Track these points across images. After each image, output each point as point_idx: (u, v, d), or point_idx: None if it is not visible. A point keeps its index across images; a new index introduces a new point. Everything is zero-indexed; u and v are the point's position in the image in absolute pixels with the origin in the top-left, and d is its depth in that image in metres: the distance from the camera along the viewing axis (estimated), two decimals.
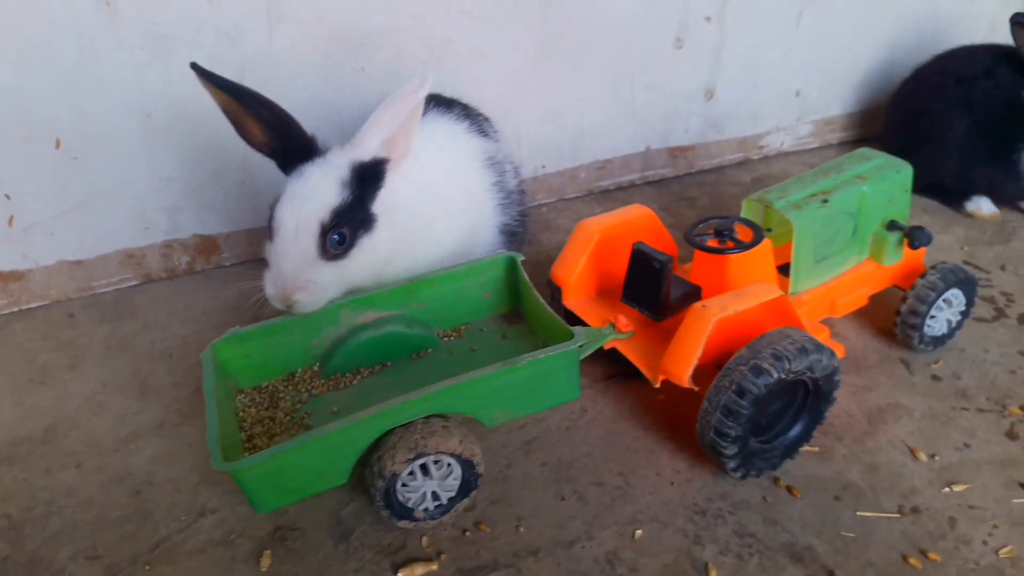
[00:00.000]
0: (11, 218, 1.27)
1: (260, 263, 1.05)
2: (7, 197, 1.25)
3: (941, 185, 1.67)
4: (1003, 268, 1.48)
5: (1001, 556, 0.95)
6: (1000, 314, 1.36)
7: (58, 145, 1.24)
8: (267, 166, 1.13)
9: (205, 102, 1.03)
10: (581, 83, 1.56)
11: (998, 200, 1.65)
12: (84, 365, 1.23)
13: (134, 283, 1.40)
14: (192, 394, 1.17)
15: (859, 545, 0.96)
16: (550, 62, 1.50)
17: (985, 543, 0.97)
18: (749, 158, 1.84)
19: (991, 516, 1.00)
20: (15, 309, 1.33)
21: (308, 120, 1.25)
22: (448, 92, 1.34)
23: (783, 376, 0.94)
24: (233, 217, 1.41)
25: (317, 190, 0.99)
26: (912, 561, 0.94)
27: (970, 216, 1.65)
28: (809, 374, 0.97)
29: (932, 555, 0.95)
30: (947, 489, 1.04)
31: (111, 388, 1.19)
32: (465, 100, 1.30)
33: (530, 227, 1.44)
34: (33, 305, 1.35)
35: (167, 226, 1.37)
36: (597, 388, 1.20)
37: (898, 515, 1.00)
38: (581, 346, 1.02)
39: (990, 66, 1.61)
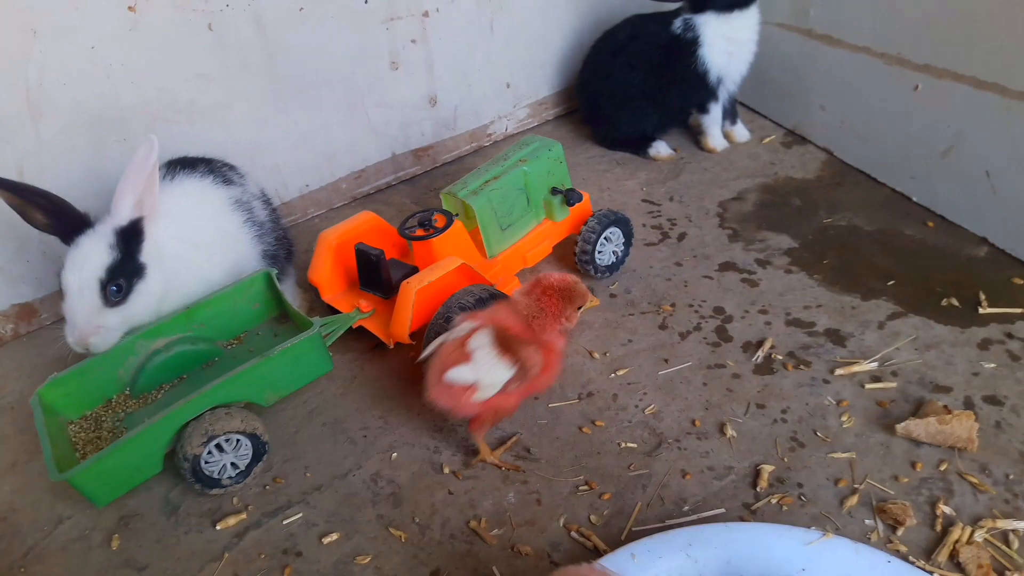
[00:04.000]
0: None
1: None
2: None
3: (627, 139, 2.05)
4: (671, 199, 1.86)
5: (647, 413, 1.31)
6: (664, 237, 1.74)
7: None
8: None
9: None
10: (320, 112, 1.82)
11: (672, 142, 2.04)
12: None
13: None
14: (35, 436, 1.38)
15: (549, 427, 1.30)
16: (289, 100, 1.76)
17: (637, 407, 1.32)
18: (482, 146, 2.16)
19: (643, 387, 1.36)
20: None
21: (85, 192, 1.47)
22: (202, 141, 1.58)
23: None
24: (43, 283, 1.60)
25: (91, 255, 1.23)
26: (585, 430, 1.28)
27: (653, 160, 2.03)
28: None
29: (599, 423, 1.30)
30: (613, 375, 1.39)
31: None
32: (211, 156, 1.52)
33: (300, 242, 1.71)
34: None
35: None
36: (365, 358, 1.48)
37: (577, 400, 1.34)
38: (330, 332, 1.32)
39: (632, 32, 1.98)
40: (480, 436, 1.21)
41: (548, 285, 1.14)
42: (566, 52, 2.20)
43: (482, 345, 1.11)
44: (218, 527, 1.18)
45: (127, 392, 1.31)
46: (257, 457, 1.23)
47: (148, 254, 1.28)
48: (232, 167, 1.52)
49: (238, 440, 1.19)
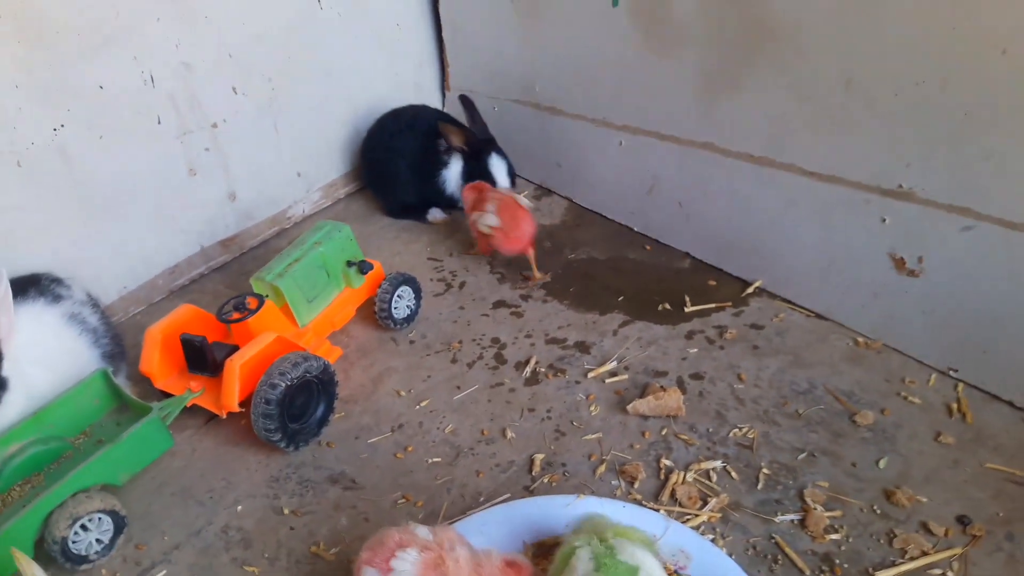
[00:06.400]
0: None
1: None
2: None
3: (407, 207, 2.33)
4: (451, 255, 2.15)
5: (447, 432, 1.56)
6: (448, 287, 2.02)
7: None
8: None
9: None
10: (129, 222, 1.95)
11: (445, 208, 2.33)
12: None
13: None
14: None
15: (369, 459, 1.52)
16: (100, 216, 1.88)
17: (439, 428, 1.57)
18: (284, 228, 2.36)
19: (442, 412, 1.61)
20: None
21: None
22: (25, 266, 1.68)
23: (290, 383, 1.47)
24: None
25: None
26: (399, 455, 1.52)
27: (432, 223, 2.31)
28: (309, 375, 1.52)
29: (410, 448, 1.53)
30: (418, 407, 1.63)
31: None
32: (41, 272, 1.65)
33: (129, 338, 1.83)
34: None
35: None
36: (202, 431, 1.64)
37: (391, 433, 1.58)
38: (167, 414, 1.49)
39: (410, 122, 2.28)
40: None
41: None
42: (346, 140, 2.45)
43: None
44: None
45: None
46: (118, 530, 1.37)
47: (8, 370, 1.41)
48: (58, 280, 1.64)
49: (100, 518, 1.33)
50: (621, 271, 1.98)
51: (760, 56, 1.65)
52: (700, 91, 1.81)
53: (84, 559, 1.33)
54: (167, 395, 1.60)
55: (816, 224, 1.71)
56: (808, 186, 1.69)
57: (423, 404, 1.63)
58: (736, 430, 1.48)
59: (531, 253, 1.93)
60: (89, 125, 1.81)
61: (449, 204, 2.27)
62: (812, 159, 1.67)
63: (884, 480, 1.36)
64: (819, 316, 1.75)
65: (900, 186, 1.52)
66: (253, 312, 1.59)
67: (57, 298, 1.59)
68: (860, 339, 1.67)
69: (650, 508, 1.32)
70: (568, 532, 1.17)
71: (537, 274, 1.97)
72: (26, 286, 1.56)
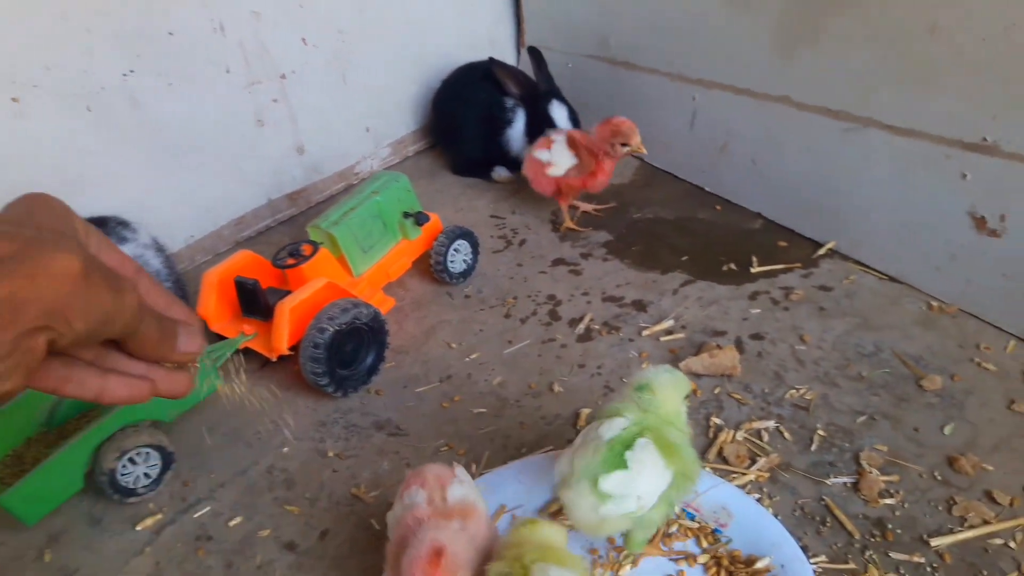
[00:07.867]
0: None
1: None
2: None
3: (473, 163, 2.30)
4: (513, 213, 2.11)
5: (494, 384, 1.53)
6: (508, 244, 1.98)
7: None
8: None
9: None
10: (197, 171, 1.98)
11: (510, 167, 2.29)
12: None
13: None
14: None
15: (416, 407, 1.51)
16: (167, 163, 1.92)
17: (486, 380, 1.55)
18: (351, 184, 2.36)
19: (492, 365, 1.58)
20: None
21: None
22: (95, 209, 1.72)
23: (338, 328, 1.46)
24: None
25: None
26: (445, 405, 1.50)
27: (496, 182, 2.28)
28: (358, 322, 1.51)
29: (457, 398, 1.51)
30: (467, 359, 1.61)
31: None
32: (106, 215, 1.69)
33: (192, 285, 1.87)
34: None
35: None
36: (257, 375, 1.66)
37: (439, 383, 1.56)
38: (217, 357, 1.50)
39: (479, 79, 2.24)
40: (564, 208, 1.96)
41: (607, 120, 1.80)
42: (417, 95, 2.44)
43: (559, 140, 1.86)
44: (138, 528, 1.34)
45: (45, 430, 1.45)
46: (166, 466, 1.39)
47: None
48: (125, 223, 1.67)
49: (147, 452, 1.36)
50: (688, 231, 1.91)
51: (842, 3, 1.54)
52: (778, 42, 1.72)
53: (132, 492, 1.35)
54: (221, 338, 1.62)
55: (894, 182, 1.61)
56: (887, 141, 1.59)
57: (473, 357, 1.61)
58: (793, 391, 1.41)
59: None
60: (159, 71, 1.84)
61: (514, 163, 2.23)
62: (892, 112, 1.57)
63: (948, 447, 1.27)
64: (892, 279, 1.65)
65: (984, 139, 1.40)
66: (307, 259, 1.58)
67: (122, 239, 1.63)
68: (935, 303, 1.56)
69: None
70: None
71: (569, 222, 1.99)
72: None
